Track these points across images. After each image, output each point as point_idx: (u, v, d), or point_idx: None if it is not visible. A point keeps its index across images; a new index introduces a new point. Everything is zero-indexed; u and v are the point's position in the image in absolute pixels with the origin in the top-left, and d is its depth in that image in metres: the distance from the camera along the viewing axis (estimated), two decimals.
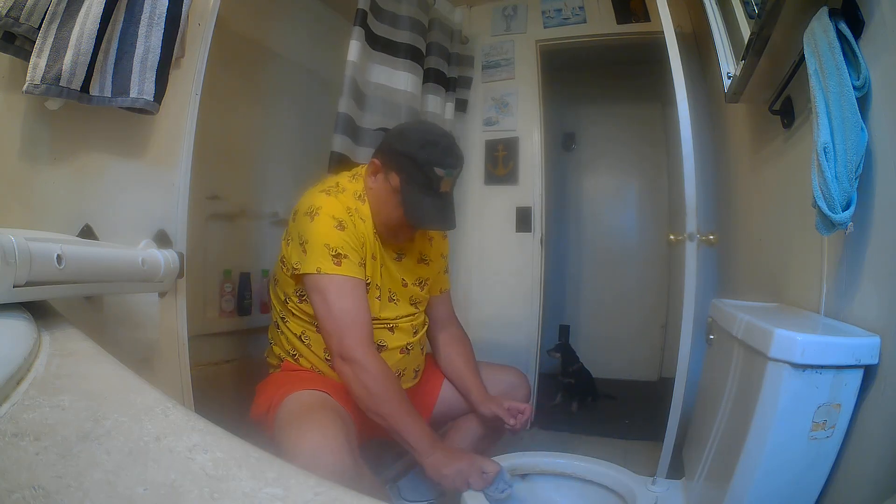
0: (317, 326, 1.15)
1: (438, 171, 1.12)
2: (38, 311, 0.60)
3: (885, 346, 0.71)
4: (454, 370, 1.35)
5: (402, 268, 1.27)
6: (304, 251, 1.11)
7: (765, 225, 1.37)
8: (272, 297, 1.29)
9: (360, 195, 1.20)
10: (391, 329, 1.22)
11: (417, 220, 1.15)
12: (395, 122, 1.87)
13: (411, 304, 1.28)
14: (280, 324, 1.25)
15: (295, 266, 1.13)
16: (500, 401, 1.27)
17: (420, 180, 1.13)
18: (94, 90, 0.85)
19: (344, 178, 1.24)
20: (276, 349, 1.27)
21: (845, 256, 0.86)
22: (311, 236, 1.10)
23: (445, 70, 2.16)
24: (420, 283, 1.30)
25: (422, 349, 1.32)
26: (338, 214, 1.12)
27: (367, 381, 1.05)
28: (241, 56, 1.81)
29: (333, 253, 1.09)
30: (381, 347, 1.19)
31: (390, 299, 1.24)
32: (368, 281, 1.17)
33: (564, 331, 2.74)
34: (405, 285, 1.27)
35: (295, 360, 1.22)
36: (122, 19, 0.88)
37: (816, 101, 0.78)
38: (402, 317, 1.25)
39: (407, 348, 1.25)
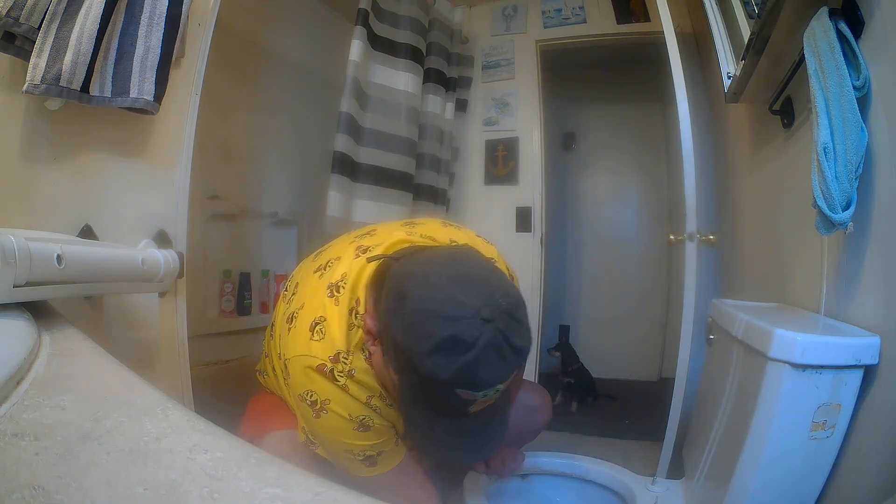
0: None
1: (465, 394, 0.67)
2: (38, 311, 0.60)
3: (885, 346, 0.71)
4: None
5: None
6: (315, 440, 0.85)
7: (765, 225, 1.37)
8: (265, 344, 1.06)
9: (366, 353, 0.81)
10: None
11: (425, 452, 0.84)
12: (396, 123, 1.88)
13: None
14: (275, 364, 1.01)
15: (310, 439, 0.86)
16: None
17: (431, 401, 0.71)
18: (94, 90, 0.85)
19: (340, 324, 0.79)
20: (269, 379, 1.07)
21: (845, 256, 0.86)
22: (323, 435, 0.83)
23: (445, 70, 2.16)
24: None
25: None
26: (356, 412, 0.79)
27: None
28: (241, 56, 1.81)
29: (363, 458, 0.83)
30: None
31: None
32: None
33: (564, 331, 2.73)
34: None
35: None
36: (122, 19, 0.87)
37: (816, 101, 0.78)
38: None
39: None
